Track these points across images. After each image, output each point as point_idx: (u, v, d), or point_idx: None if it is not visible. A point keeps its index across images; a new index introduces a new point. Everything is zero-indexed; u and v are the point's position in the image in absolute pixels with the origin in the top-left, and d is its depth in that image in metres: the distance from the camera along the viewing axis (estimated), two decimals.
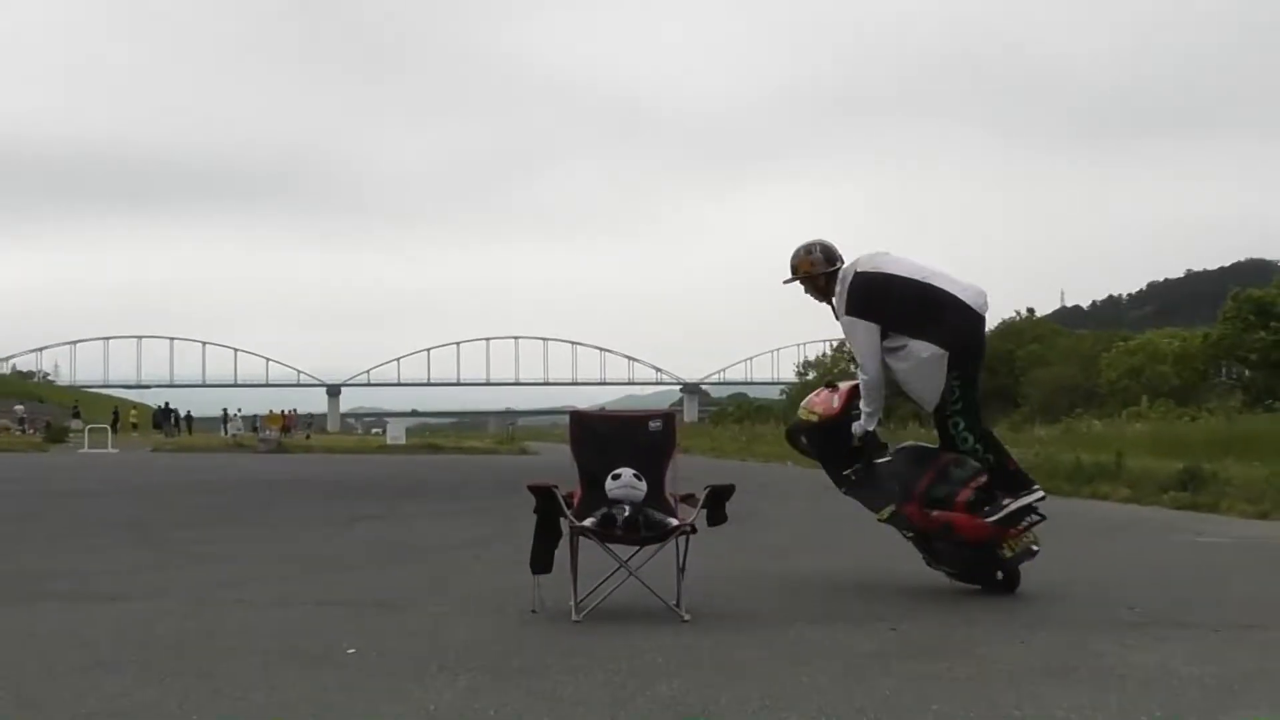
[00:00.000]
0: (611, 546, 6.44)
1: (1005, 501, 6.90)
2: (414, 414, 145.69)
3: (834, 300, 7.16)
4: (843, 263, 7.18)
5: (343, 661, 5.23)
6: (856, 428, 7.22)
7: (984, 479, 7.00)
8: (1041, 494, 7.12)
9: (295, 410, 69.98)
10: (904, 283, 6.96)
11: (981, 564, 7.14)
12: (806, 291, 7.28)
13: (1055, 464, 19.72)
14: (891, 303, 6.95)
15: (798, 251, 7.29)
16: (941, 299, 6.92)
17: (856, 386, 7.28)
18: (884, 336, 6.98)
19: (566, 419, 7.30)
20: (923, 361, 6.90)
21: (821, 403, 7.54)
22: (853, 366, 7.30)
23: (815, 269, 7.19)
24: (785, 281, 7.33)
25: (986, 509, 6.88)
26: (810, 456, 7.84)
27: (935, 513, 6.96)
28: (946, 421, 7.02)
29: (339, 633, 5.90)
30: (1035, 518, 7.07)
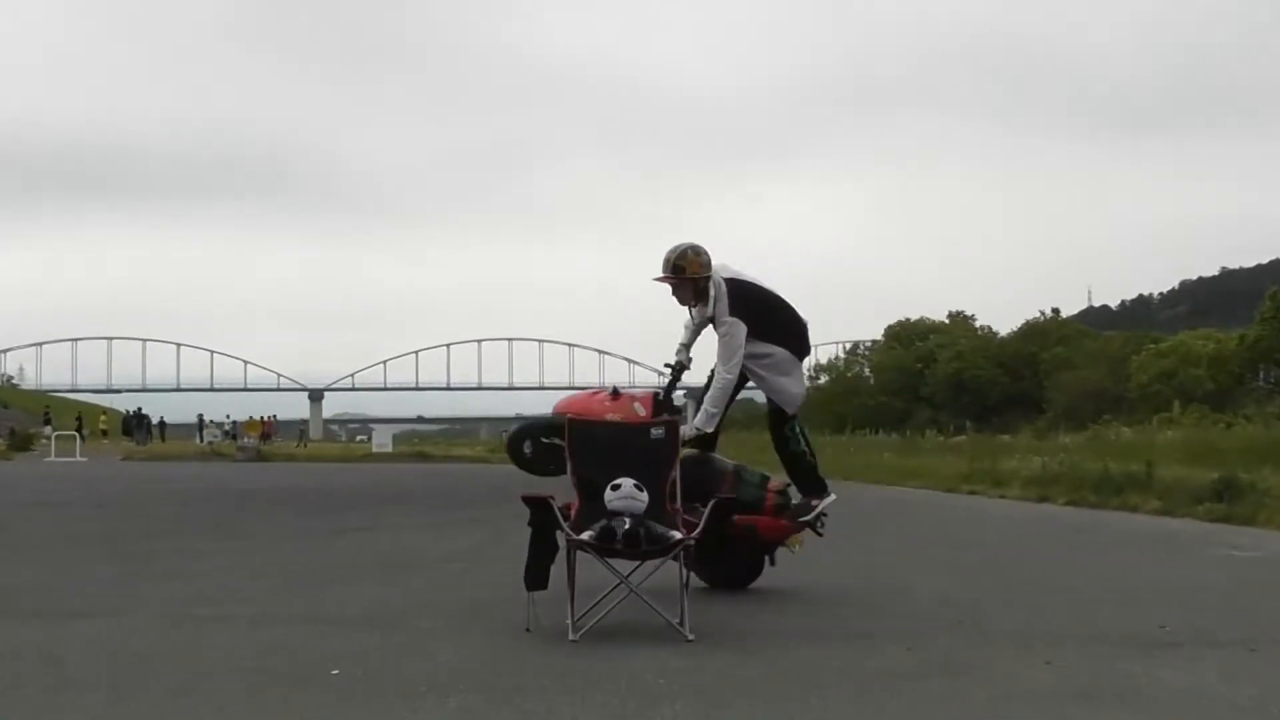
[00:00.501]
0: (611, 561, 6.45)
1: (814, 503, 7.84)
2: (402, 420, 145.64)
3: (703, 304, 7.78)
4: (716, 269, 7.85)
5: (326, 682, 5.24)
6: (690, 430, 7.64)
7: (778, 482, 7.85)
8: (834, 496, 8.01)
9: (274, 416, 70.03)
10: (764, 292, 7.87)
11: (750, 565, 8.01)
12: (674, 293, 7.82)
13: (1082, 473, 19.75)
14: (759, 309, 7.75)
15: (685, 251, 7.72)
16: (790, 310, 7.95)
17: (655, 395, 7.87)
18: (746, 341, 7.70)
19: (564, 426, 7.31)
20: (794, 365, 7.93)
21: (611, 407, 7.64)
22: (721, 368, 7.76)
23: (701, 271, 7.70)
24: (657, 279, 7.73)
25: (791, 510, 7.77)
26: (533, 471, 8.03)
27: (738, 517, 7.23)
28: (783, 424, 7.92)
29: (322, 652, 5.91)
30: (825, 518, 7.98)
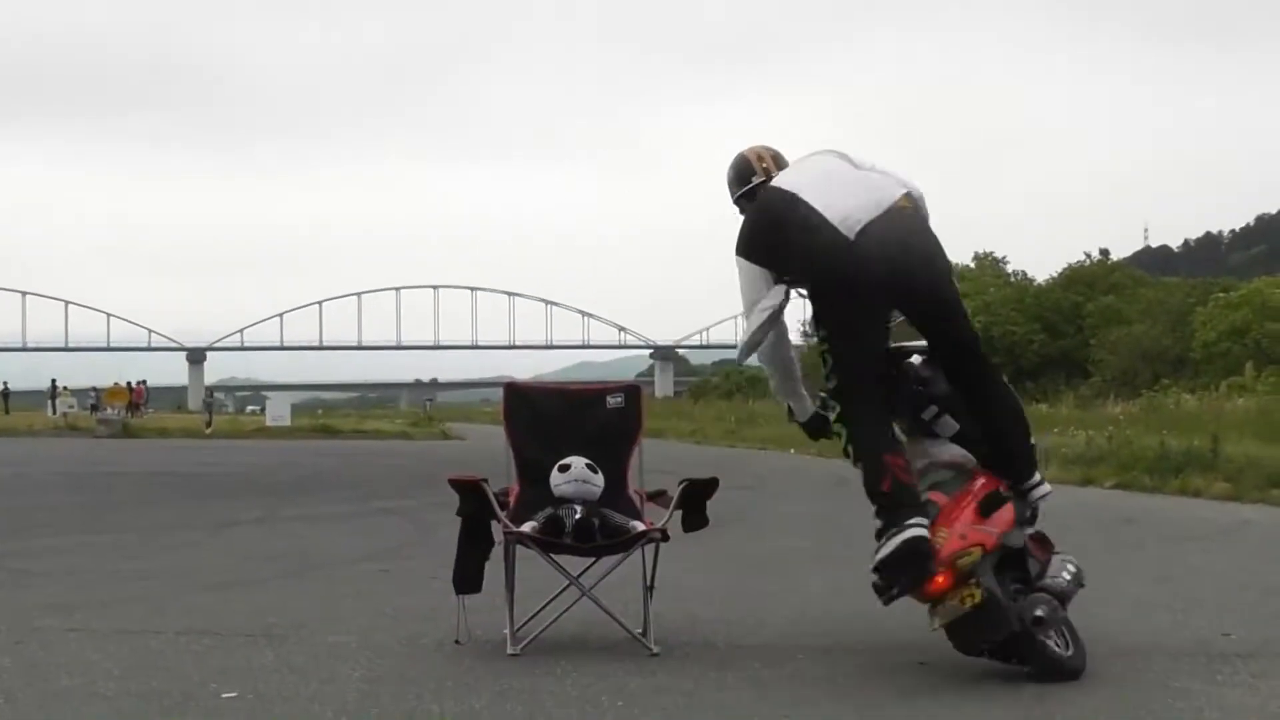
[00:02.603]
0: (558, 559, 6.47)
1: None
2: (302, 387, 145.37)
3: None
4: (762, 178, 6.32)
5: (212, 707, 5.25)
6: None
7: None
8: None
9: (144, 382, 69.54)
10: (795, 206, 5.97)
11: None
12: None
13: (1134, 450, 19.93)
14: (776, 237, 6.06)
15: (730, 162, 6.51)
16: (799, 217, 5.92)
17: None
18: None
19: (500, 393, 7.32)
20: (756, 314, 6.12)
21: None
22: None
23: (732, 190, 6.45)
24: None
25: None
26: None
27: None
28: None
29: (206, 670, 5.91)
30: None
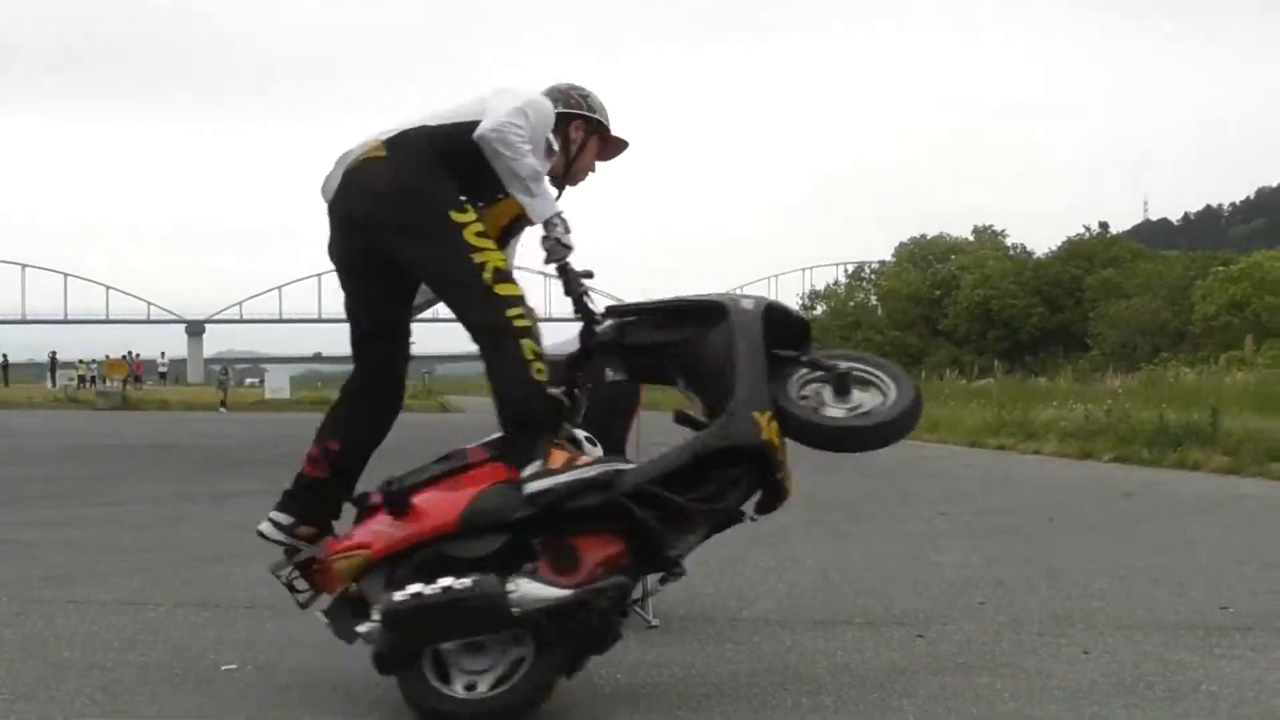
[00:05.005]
0: None
1: None
2: (316, 359, 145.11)
3: None
4: None
5: (211, 678, 5.25)
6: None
7: None
8: None
9: (139, 355, 69.56)
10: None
11: None
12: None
13: (1133, 424, 19.96)
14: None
15: None
16: None
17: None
18: None
19: None
20: None
21: None
22: None
23: None
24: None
25: None
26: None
27: None
28: None
29: (206, 643, 5.92)
30: None
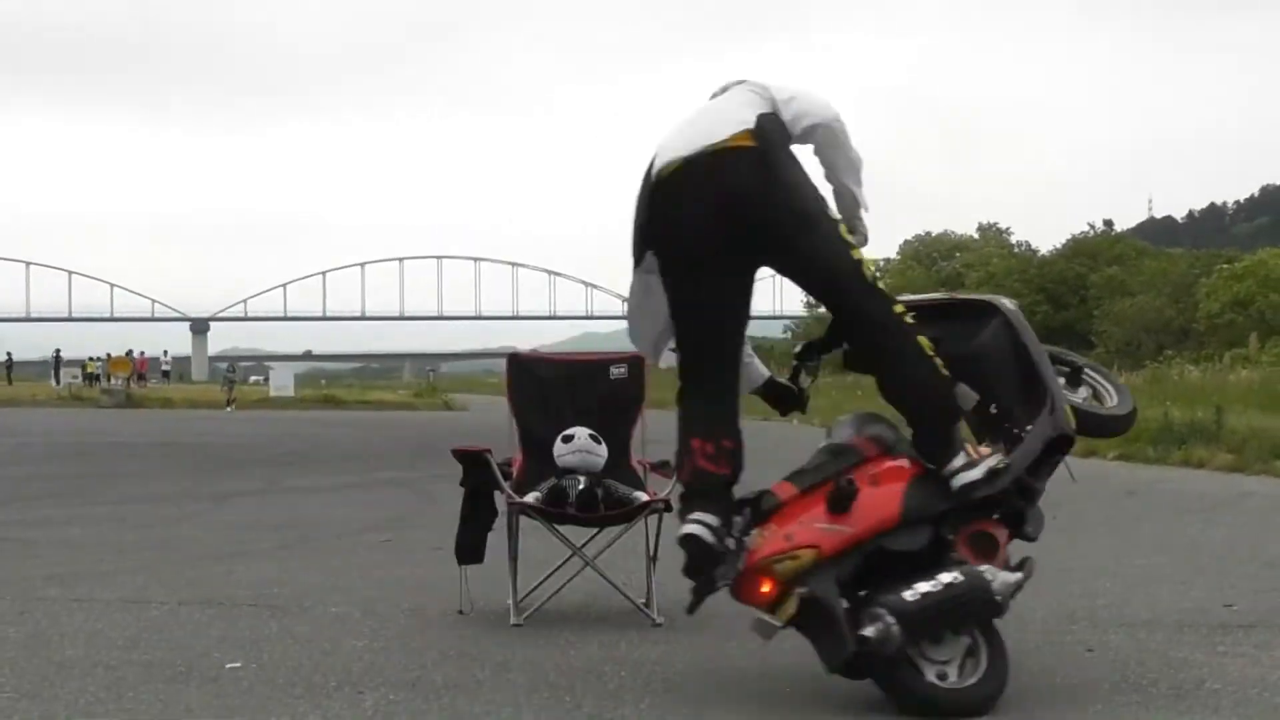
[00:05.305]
0: (561, 529, 6.49)
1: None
2: (306, 357, 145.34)
3: None
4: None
5: (215, 676, 5.26)
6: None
7: None
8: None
9: (144, 353, 69.59)
10: None
11: None
12: None
13: (1138, 422, 19.88)
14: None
15: None
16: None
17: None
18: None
19: (503, 364, 7.32)
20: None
21: None
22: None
23: None
24: None
25: None
26: None
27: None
28: None
29: (209, 640, 5.93)
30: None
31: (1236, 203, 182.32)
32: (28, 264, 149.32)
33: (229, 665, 5.44)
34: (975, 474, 4.79)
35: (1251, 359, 36.81)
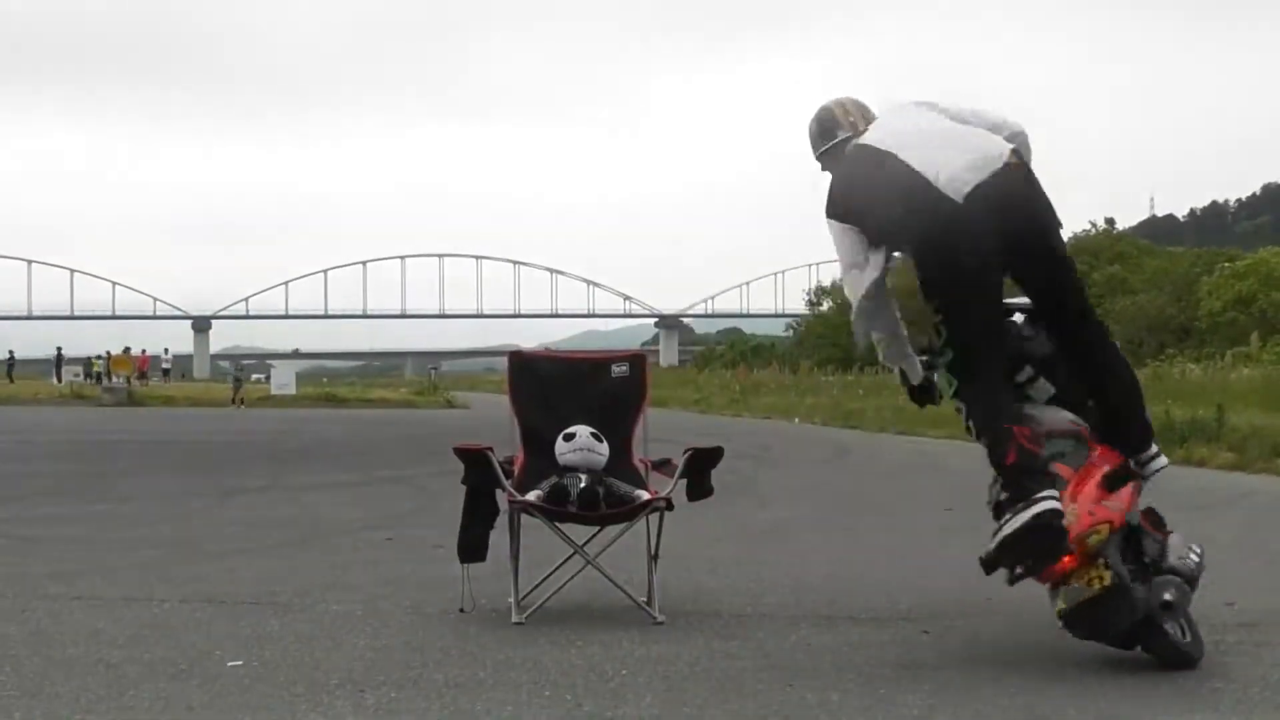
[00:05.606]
0: (563, 527, 6.48)
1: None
2: (307, 355, 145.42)
3: None
4: (849, 133, 5.98)
5: (216, 674, 5.26)
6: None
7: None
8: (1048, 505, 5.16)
9: (144, 350, 69.61)
10: (878, 159, 5.67)
11: None
12: None
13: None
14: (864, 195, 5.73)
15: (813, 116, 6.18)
16: (898, 178, 5.54)
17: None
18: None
19: (504, 362, 7.32)
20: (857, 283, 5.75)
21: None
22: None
23: (814, 146, 6.13)
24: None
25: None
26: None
27: None
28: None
29: (211, 638, 5.93)
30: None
31: (1238, 201, 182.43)
32: (29, 262, 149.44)
33: (231, 663, 5.44)
34: (1164, 460, 5.74)
35: (1253, 357, 36.79)
